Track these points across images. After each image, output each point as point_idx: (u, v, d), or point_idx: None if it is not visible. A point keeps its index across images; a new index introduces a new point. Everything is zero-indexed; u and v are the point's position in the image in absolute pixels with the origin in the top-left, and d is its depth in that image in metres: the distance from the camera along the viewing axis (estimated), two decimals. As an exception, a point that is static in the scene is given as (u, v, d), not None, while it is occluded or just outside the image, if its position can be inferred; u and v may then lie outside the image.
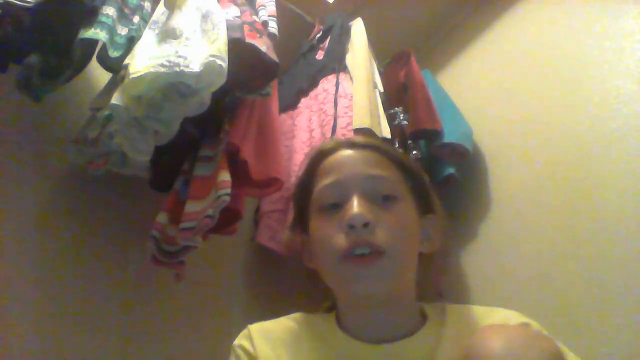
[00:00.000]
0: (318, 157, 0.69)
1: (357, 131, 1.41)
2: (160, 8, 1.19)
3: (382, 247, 0.58)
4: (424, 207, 0.68)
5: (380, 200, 0.62)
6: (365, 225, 0.58)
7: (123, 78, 1.06)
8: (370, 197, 0.61)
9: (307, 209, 0.68)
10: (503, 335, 0.50)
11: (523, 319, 0.64)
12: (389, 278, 0.59)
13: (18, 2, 1.01)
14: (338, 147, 0.69)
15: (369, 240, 0.58)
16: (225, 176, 1.18)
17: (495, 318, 0.61)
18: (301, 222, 0.70)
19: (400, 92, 1.72)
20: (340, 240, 0.59)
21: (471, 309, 0.67)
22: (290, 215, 1.44)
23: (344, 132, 1.42)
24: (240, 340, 0.70)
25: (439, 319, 0.64)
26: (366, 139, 0.71)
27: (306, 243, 0.69)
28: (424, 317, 0.65)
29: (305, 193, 0.68)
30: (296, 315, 0.71)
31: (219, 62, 1.05)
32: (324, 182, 0.65)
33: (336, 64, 1.61)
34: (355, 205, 0.59)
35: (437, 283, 1.49)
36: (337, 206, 0.62)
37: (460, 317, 0.64)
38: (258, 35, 1.21)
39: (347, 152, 0.67)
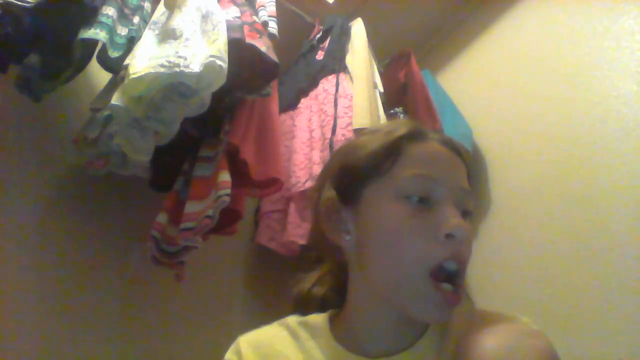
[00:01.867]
0: (405, 138, 0.60)
1: (357, 131, 1.41)
2: (160, 8, 1.19)
3: (465, 267, 0.55)
4: None
5: (462, 214, 0.58)
6: (462, 241, 0.54)
7: (123, 78, 1.06)
8: (458, 208, 0.57)
9: (366, 181, 0.60)
10: (494, 335, 0.49)
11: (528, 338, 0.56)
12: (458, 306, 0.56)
13: (18, 2, 1.01)
14: (427, 136, 0.62)
15: (463, 257, 0.55)
16: (225, 176, 1.18)
17: (491, 336, 0.56)
18: (349, 192, 0.62)
19: (400, 92, 1.72)
20: (433, 248, 0.54)
21: (476, 313, 0.62)
22: (290, 216, 1.45)
23: (344, 132, 1.42)
24: (229, 355, 0.67)
25: (442, 325, 0.61)
26: (457, 142, 0.64)
27: (341, 212, 0.62)
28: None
29: (375, 166, 0.60)
30: (289, 320, 0.67)
31: (219, 62, 1.05)
32: (416, 170, 0.57)
33: (336, 64, 1.61)
34: (457, 216, 0.55)
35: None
36: (426, 203, 0.56)
37: (464, 322, 0.59)
38: (258, 35, 1.21)
39: (442, 149, 0.61)
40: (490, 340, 0.48)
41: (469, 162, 0.64)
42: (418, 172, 0.57)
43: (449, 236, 0.54)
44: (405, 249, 0.54)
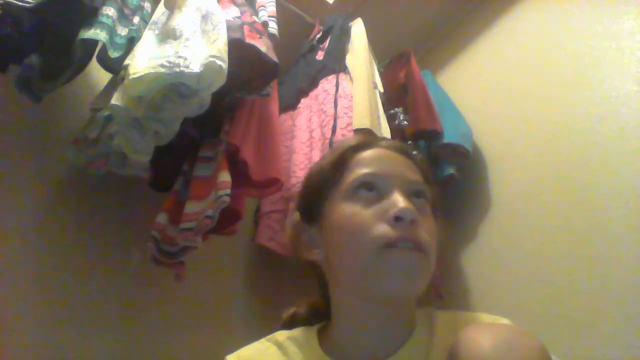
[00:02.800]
0: (351, 149, 0.67)
1: (357, 131, 1.41)
2: (160, 9, 1.19)
3: (425, 246, 0.57)
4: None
5: (416, 202, 0.61)
6: (412, 221, 0.57)
7: (123, 78, 1.06)
8: (409, 197, 0.60)
9: (322, 197, 0.65)
10: (489, 333, 0.50)
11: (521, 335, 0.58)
12: (425, 280, 0.58)
13: (18, 2, 1.01)
14: (373, 144, 0.67)
15: (414, 236, 0.57)
16: (225, 176, 1.18)
17: (485, 334, 0.59)
18: (310, 207, 0.68)
19: (401, 93, 1.72)
20: (384, 229, 0.57)
21: (459, 315, 0.65)
22: (291, 216, 1.45)
23: (344, 133, 1.42)
24: None
25: (426, 327, 0.63)
26: (401, 144, 0.70)
27: (308, 232, 0.67)
28: (414, 324, 0.64)
29: (327, 181, 0.65)
30: (277, 335, 0.68)
31: (218, 62, 1.05)
32: (361, 170, 0.63)
33: (336, 64, 1.61)
34: (404, 200, 0.58)
35: (437, 284, 1.50)
36: (374, 196, 0.60)
37: (448, 324, 0.62)
38: (258, 35, 1.21)
39: (385, 151, 0.66)
40: (486, 339, 0.49)
41: (421, 164, 0.68)
42: (362, 172, 0.63)
43: (397, 219, 0.57)
44: (361, 237, 0.58)
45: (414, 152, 0.70)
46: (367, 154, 0.66)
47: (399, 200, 0.58)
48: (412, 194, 0.61)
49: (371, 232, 0.57)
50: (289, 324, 0.73)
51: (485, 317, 0.64)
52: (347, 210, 0.60)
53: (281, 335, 0.68)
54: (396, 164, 0.64)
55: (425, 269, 0.57)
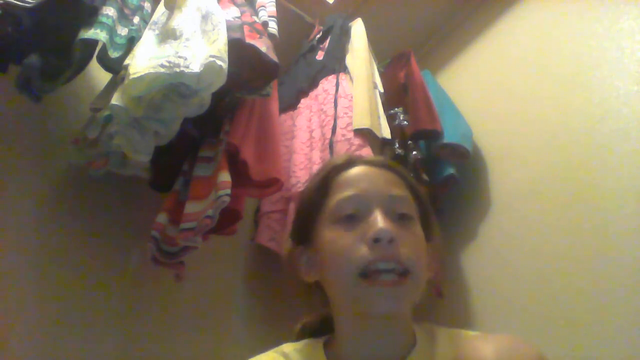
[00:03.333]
0: (333, 171, 0.68)
1: (358, 131, 1.41)
2: (160, 9, 1.20)
3: (407, 265, 0.57)
4: (427, 234, 0.67)
5: (398, 218, 0.61)
6: (391, 240, 0.57)
7: (123, 79, 1.06)
8: (390, 215, 0.61)
9: (312, 221, 0.67)
10: (492, 343, 0.51)
11: (521, 343, 0.58)
12: (410, 298, 0.58)
13: (18, 2, 1.01)
14: (354, 163, 0.68)
15: (395, 255, 0.57)
16: (225, 176, 1.18)
17: (488, 344, 0.57)
18: (303, 233, 0.69)
19: (400, 93, 1.72)
20: (363, 252, 0.58)
21: (460, 333, 0.65)
22: (290, 216, 1.45)
23: (344, 133, 1.42)
24: None
25: (428, 342, 0.63)
26: (383, 159, 0.71)
27: (305, 254, 0.68)
28: (414, 338, 0.64)
29: (314, 206, 0.67)
30: (285, 347, 0.68)
31: (219, 62, 1.05)
32: (342, 194, 0.64)
33: (336, 64, 1.61)
34: (381, 220, 0.58)
35: (437, 283, 1.50)
36: (356, 219, 0.61)
37: (449, 341, 0.63)
38: (258, 35, 1.21)
39: (366, 169, 0.67)
40: (489, 348, 0.51)
41: (404, 175, 0.69)
42: (342, 196, 0.64)
43: (376, 240, 0.57)
44: (346, 264, 0.59)
45: (394, 166, 0.70)
46: (347, 175, 0.66)
47: (376, 221, 0.58)
48: (393, 210, 0.62)
49: (351, 255, 0.58)
50: (301, 336, 0.73)
51: (491, 337, 0.63)
52: (330, 236, 0.62)
53: (288, 347, 0.68)
54: (376, 181, 0.65)
55: (410, 286, 0.57)
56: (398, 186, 0.65)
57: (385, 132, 1.51)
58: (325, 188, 0.67)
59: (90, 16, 1.10)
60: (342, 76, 1.58)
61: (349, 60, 1.62)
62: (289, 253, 0.71)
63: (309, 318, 0.76)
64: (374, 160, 0.69)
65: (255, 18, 1.28)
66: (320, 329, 0.72)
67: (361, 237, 0.59)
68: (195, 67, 1.03)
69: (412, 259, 0.58)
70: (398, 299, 0.57)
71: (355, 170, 0.67)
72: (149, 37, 1.12)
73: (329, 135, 1.44)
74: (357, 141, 1.39)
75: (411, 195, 0.66)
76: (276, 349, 0.68)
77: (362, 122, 1.42)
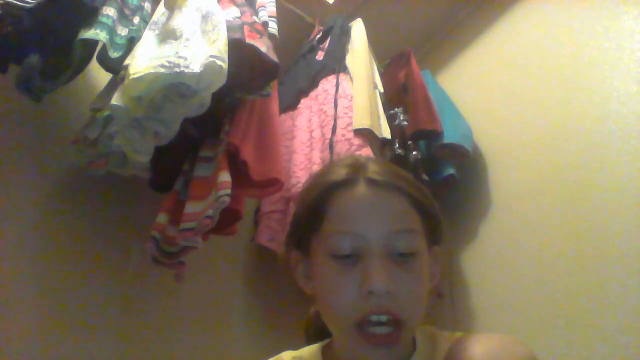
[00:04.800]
0: (331, 188, 0.62)
1: (358, 131, 1.41)
2: (161, 9, 1.20)
3: (401, 317, 0.55)
4: (432, 240, 0.64)
5: (399, 256, 0.58)
6: (387, 293, 0.55)
7: (123, 79, 1.06)
8: (391, 253, 0.57)
9: (307, 236, 0.64)
10: (481, 342, 0.51)
11: (512, 343, 0.56)
12: (404, 346, 0.58)
13: (18, 2, 1.01)
14: (355, 180, 0.61)
15: (389, 309, 0.55)
16: (225, 177, 1.18)
17: (477, 343, 0.55)
18: (300, 240, 0.66)
19: (400, 93, 1.72)
20: (357, 304, 0.55)
21: (462, 337, 0.62)
22: (290, 216, 1.45)
23: (344, 133, 1.42)
24: None
25: (428, 347, 0.62)
26: (387, 176, 0.62)
27: (302, 264, 0.66)
28: (413, 343, 0.63)
29: (311, 219, 0.63)
30: (284, 355, 0.68)
31: (219, 62, 1.05)
32: (339, 227, 0.59)
33: (336, 64, 1.61)
34: (377, 270, 0.55)
35: (437, 284, 1.49)
36: (353, 258, 0.57)
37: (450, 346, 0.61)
38: (258, 35, 1.21)
39: (368, 194, 0.60)
40: (478, 348, 0.49)
41: (413, 193, 0.62)
42: (341, 230, 0.59)
43: (370, 292, 0.55)
44: (334, 306, 0.58)
45: (404, 177, 0.64)
46: (346, 202, 0.60)
47: (373, 272, 0.55)
48: (393, 247, 0.58)
49: (345, 306, 0.56)
50: (313, 324, 0.73)
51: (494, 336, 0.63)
52: (326, 272, 0.59)
53: (287, 355, 0.68)
54: (377, 213, 0.59)
55: (404, 336, 0.56)
56: (402, 215, 0.60)
57: (385, 132, 1.51)
58: (322, 207, 0.61)
59: (90, 16, 1.10)
60: (342, 76, 1.58)
61: (349, 60, 1.62)
62: (285, 257, 0.69)
63: (312, 313, 0.74)
64: (377, 178, 0.61)
65: (255, 18, 1.28)
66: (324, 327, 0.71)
67: (356, 284, 0.56)
68: (196, 67, 1.03)
69: (407, 309, 0.56)
70: (392, 353, 0.56)
71: (355, 196, 0.60)
72: (149, 37, 1.12)
73: (329, 135, 1.44)
74: (357, 141, 1.39)
75: (417, 214, 0.61)
76: (275, 357, 0.68)
77: (362, 122, 1.42)
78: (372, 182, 0.61)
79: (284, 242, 0.71)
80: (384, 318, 0.55)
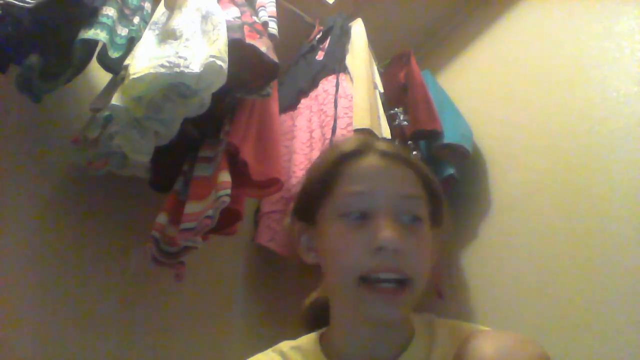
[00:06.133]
0: (343, 156, 0.64)
1: (357, 132, 1.41)
2: (161, 9, 1.20)
3: (408, 275, 0.56)
4: (434, 220, 0.65)
5: (407, 220, 0.59)
6: (395, 251, 0.56)
7: (123, 79, 1.06)
8: (399, 216, 0.59)
9: (317, 204, 0.64)
10: (492, 340, 0.50)
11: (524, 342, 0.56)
12: (409, 306, 0.58)
13: (18, 2, 1.01)
14: (366, 151, 0.64)
15: (397, 266, 0.56)
16: (225, 177, 1.18)
17: (489, 341, 0.55)
18: (306, 212, 0.67)
19: (401, 93, 1.72)
20: (365, 259, 0.56)
21: (461, 325, 0.64)
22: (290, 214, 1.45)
23: (344, 133, 1.42)
24: None
25: (427, 335, 0.63)
26: (396, 149, 0.66)
27: (306, 234, 0.67)
28: (412, 330, 0.64)
29: (320, 188, 0.64)
30: (282, 346, 0.68)
31: (219, 62, 1.05)
32: (352, 187, 0.61)
33: (336, 64, 1.61)
34: (388, 227, 0.56)
35: (437, 284, 1.50)
36: (363, 218, 0.59)
37: (450, 334, 0.62)
38: (258, 36, 1.21)
39: (379, 161, 0.63)
40: (489, 346, 0.49)
41: (421, 169, 0.65)
42: (353, 190, 0.61)
43: (379, 249, 0.56)
44: (343, 263, 0.58)
45: (412, 154, 0.67)
46: (358, 166, 0.63)
47: (382, 228, 0.56)
48: (402, 211, 0.59)
49: (353, 260, 0.57)
50: (311, 309, 0.73)
51: (491, 332, 0.64)
52: (335, 231, 0.60)
53: (285, 345, 0.68)
54: (388, 177, 0.62)
55: (408, 294, 0.56)
56: (411, 183, 0.62)
57: (385, 132, 1.51)
58: (333, 175, 0.63)
59: (90, 16, 1.10)
60: (342, 76, 1.58)
61: (349, 60, 1.62)
62: (289, 228, 0.70)
63: (311, 300, 0.75)
64: (388, 150, 0.65)
65: (255, 18, 1.28)
66: (322, 315, 0.71)
67: (366, 241, 0.57)
68: (196, 67, 1.03)
69: (414, 269, 0.57)
70: (396, 307, 0.56)
71: (367, 162, 0.63)
72: (149, 38, 1.12)
73: (329, 135, 1.44)
74: (357, 141, 1.39)
75: (423, 188, 0.63)
76: (273, 347, 0.68)
77: (362, 122, 1.42)
78: (382, 153, 0.64)
79: (290, 214, 0.71)
80: (392, 275, 0.56)
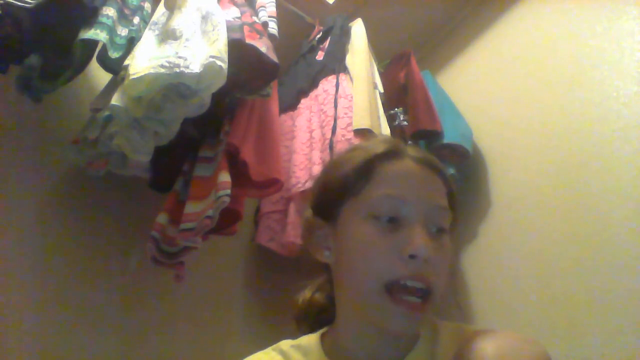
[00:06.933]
0: (376, 158, 0.62)
1: (357, 132, 1.41)
2: (161, 9, 1.19)
3: (432, 287, 0.56)
4: (451, 231, 0.65)
5: (435, 231, 0.59)
6: (427, 260, 0.55)
7: (123, 79, 1.06)
8: (429, 226, 0.58)
9: (341, 202, 0.63)
10: (493, 340, 0.50)
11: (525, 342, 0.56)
12: (426, 317, 0.58)
13: (18, 2, 1.01)
14: (400, 154, 0.63)
15: (425, 276, 0.55)
16: (225, 177, 1.18)
17: (489, 341, 0.55)
18: (326, 207, 0.65)
19: (400, 93, 1.72)
20: (394, 266, 0.55)
21: (464, 328, 0.64)
22: (290, 217, 1.45)
23: (344, 133, 1.42)
24: None
25: (430, 338, 0.63)
26: (431, 157, 0.65)
27: (322, 230, 0.65)
28: (416, 333, 0.63)
29: (349, 187, 0.62)
30: (282, 345, 0.68)
31: (219, 63, 1.05)
32: (386, 190, 0.59)
33: (336, 64, 1.61)
34: (423, 236, 0.56)
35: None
36: (395, 223, 0.58)
37: (453, 337, 0.62)
38: (258, 36, 1.21)
39: (414, 167, 0.62)
40: (490, 346, 0.49)
41: (448, 180, 0.65)
42: (387, 192, 0.59)
43: (412, 256, 0.55)
44: (369, 267, 0.57)
45: (438, 166, 0.65)
46: (394, 168, 0.61)
47: (417, 236, 0.55)
48: (433, 222, 0.59)
49: (382, 266, 0.56)
50: (304, 311, 0.73)
51: (496, 332, 0.63)
52: (363, 233, 0.58)
53: (286, 344, 0.68)
54: (424, 185, 0.61)
55: (429, 308, 0.56)
56: (442, 193, 0.62)
57: (385, 132, 1.51)
58: (365, 175, 0.61)
59: (90, 16, 1.10)
60: (342, 76, 1.58)
61: (349, 60, 1.62)
62: (306, 222, 0.68)
63: (314, 291, 0.74)
64: (421, 157, 0.63)
65: (255, 18, 1.28)
66: (319, 316, 0.71)
67: (396, 248, 0.56)
68: (195, 67, 1.03)
69: (437, 281, 0.56)
70: (416, 323, 0.56)
71: (404, 166, 0.62)
72: (149, 38, 1.12)
73: (329, 135, 1.44)
74: (357, 141, 1.39)
75: (447, 198, 0.63)
76: (274, 346, 0.68)
77: (362, 122, 1.42)
78: (417, 159, 0.63)
79: (309, 206, 0.69)
80: (419, 285, 0.55)
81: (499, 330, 0.57)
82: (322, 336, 0.67)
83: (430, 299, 0.56)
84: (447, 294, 1.51)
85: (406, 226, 0.57)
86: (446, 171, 0.65)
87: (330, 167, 0.70)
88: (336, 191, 0.64)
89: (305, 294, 0.74)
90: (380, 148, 0.64)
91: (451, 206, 0.63)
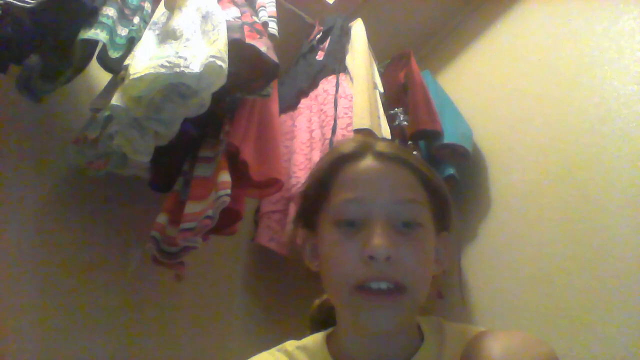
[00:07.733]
0: (340, 160, 0.63)
1: (357, 132, 1.41)
2: (161, 9, 1.20)
3: (403, 282, 0.55)
4: (441, 225, 0.64)
5: (402, 225, 0.57)
6: (387, 258, 0.54)
7: (123, 79, 1.06)
8: (394, 222, 0.57)
9: (316, 210, 0.64)
10: (500, 339, 0.50)
11: (532, 341, 0.55)
12: (405, 314, 0.57)
13: (18, 2, 1.01)
14: (363, 153, 0.62)
15: (390, 275, 0.55)
16: (225, 177, 1.18)
17: (496, 341, 0.54)
18: (308, 217, 0.66)
19: (401, 93, 1.72)
20: (357, 269, 0.55)
21: (470, 329, 0.63)
22: (290, 217, 1.45)
23: (344, 133, 1.42)
24: None
25: (436, 339, 0.62)
26: (395, 150, 0.64)
27: (310, 241, 0.66)
28: (420, 334, 0.63)
29: (319, 192, 0.63)
30: (287, 345, 0.67)
31: (219, 62, 1.05)
32: (345, 194, 0.59)
33: (336, 64, 1.61)
34: (379, 235, 0.55)
35: (437, 284, 1.49)
36: (356, 225, 0.57)
37: (459, 338, 0.61)
38: (258, 36, 1.21)
39: (374, 165, 0.61)
40: (497, 346, 0.49)
41: (421, 170, 0.63)
42: (346, 197, 0.59)
43: (370, 257, 0.54)
44: (338, 272, 0.57)
45: (413, 155, 0.65)
46: (354, 169, 0.61)
47: (374, 237, 0.55)
48: (397, 218, 0.57)
49: (345, 270, 0.56)
50: (321, 310, 0.73)
51: (502, 332, 0.63)
52: (329, 239, 0.59)
53: (291, 345, 0.67)
54: (384, 182, 0.60)
55: (406, 302, 0.55)
56: (407, 186, 0.60)
57: (385, 132, 1.51)
58: (330, 178, 0.62)
59: (90, 16, 1.10)
60: (342, 76, 1.58)
61: (349, 60, 1.62)
62: (293, 235, 0.69)
63: (321, 301, 0.74)
64: (385, 152, 0.63)
65: (255, 18, 1.28)
66: (330, 316, 0.71)
67: (358, 250, 0.56)
68: (196, 67, 1.03)
69: (409, 276, 0.55)
70: (390, 315, 0.55)
71: (363, 166, 0.61)
72: (149, 38, 1.12)
73: (329, 135, 1.44)
74: (357, 141, 1.39)
75: (424, 191, 0.61)
76: (279, 347, 0.68)
77: (362, 122, 1.42)
78: (379, 155, 0.62)
79: (293, 221, 0.70)
80: (383, 285, 0.54)
81: (505, 330, 0.56)
82: (328, 337, 0.67)
83: (402, 291, 0.55)
84: (448, 292, 1.52)
85: (368, 227, 0.57)
86: (417, 161, 0.64)
87: (309, 175, 0.71)
88: (312, 198, 0.65)
89: (322, 296, 0.74)
90: (345, 149, 0.64)
91: (433, 195, 0.62)
